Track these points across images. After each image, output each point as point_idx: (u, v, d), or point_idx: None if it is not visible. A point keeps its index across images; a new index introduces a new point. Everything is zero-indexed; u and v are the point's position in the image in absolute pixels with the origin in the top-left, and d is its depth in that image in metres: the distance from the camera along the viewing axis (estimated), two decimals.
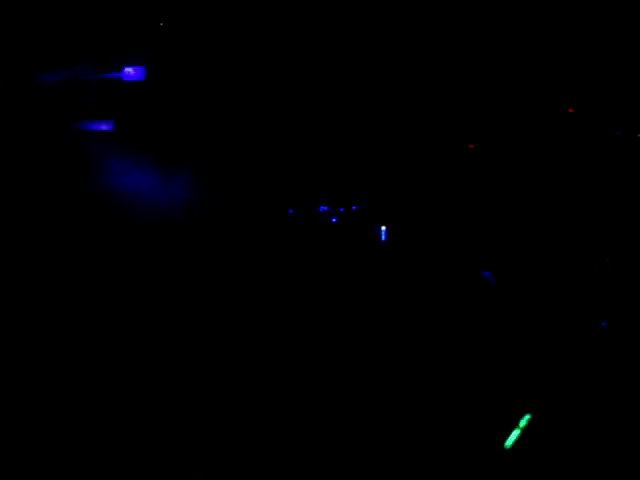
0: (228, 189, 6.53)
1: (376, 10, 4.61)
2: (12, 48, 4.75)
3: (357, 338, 3.96)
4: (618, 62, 4.66)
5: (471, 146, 6.22)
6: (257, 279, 5.01)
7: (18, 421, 3.01)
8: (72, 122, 5.21)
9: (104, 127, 5.34)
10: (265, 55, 5.03)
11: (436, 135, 6.18)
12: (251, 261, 5.74)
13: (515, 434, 2.98)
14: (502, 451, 2.82)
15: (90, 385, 3.34)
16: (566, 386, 3.02)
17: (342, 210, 7.03)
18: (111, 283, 4.34)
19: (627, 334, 3.24)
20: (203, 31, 4.76)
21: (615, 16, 4.44)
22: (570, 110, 5.45)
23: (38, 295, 4.06)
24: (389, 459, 2.87)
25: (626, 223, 5.42)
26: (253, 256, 5.83)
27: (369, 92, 5.53)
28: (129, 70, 4.97)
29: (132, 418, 3.16)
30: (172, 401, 3.29)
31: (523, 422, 3.00)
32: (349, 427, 3.03)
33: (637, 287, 3.83)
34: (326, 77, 5.33)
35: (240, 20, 4.69)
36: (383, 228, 6.49)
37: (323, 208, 6.79)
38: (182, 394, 3.35)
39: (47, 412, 3.11)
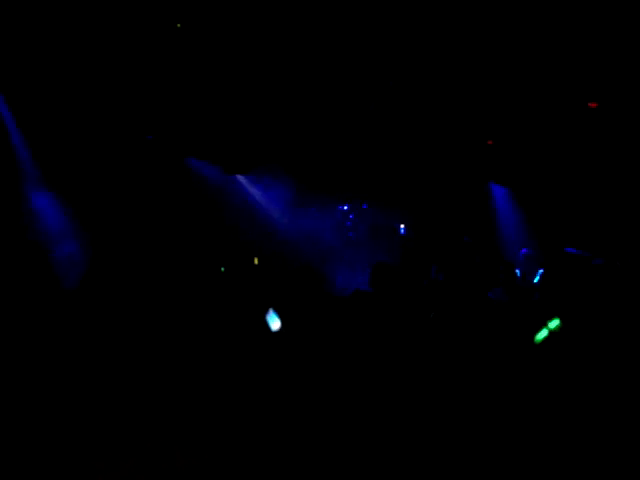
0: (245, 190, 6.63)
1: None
2: None
3: (371, 339, 3.97)
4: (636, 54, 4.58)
5: (490, 142, 6.18)
6: (274, 278, 5.06)
7: (18, 421, 3.07)
8: None
9: None
10: (292, 59, 5.05)
11: (455, 132, 6.16)
12: (269, 260, 5.81)
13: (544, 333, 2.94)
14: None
15: (90, 385, 3.38)
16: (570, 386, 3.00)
17: (363, 207, 7.06)
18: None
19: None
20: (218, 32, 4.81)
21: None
22: (592, 105, 5.37)
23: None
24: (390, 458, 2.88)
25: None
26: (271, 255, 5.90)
27: (387, 93, 5.53)
28: None
29: (131, 418, 3.21)
30: (171, 401, 3.34)
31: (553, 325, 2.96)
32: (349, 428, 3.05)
33: None
34: (345, 79, 5.34)
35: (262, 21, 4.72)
36: (402, 226, 6.51)
37: (341, 207, 6.84)
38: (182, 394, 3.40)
39: (46, 412, 3.16)
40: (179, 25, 4.77)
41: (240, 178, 6.65)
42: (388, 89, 5.28)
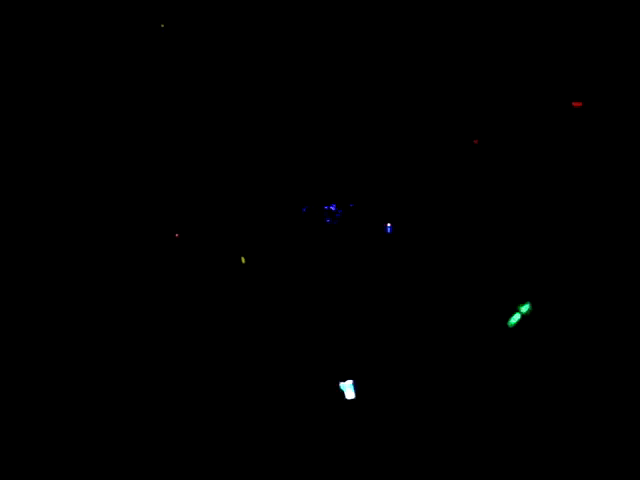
0: (236, 188, 6.60)
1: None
2: None
3: (362, 336, 3.97)
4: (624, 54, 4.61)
5: (475, 142, 6.17)
6: (264, 276, 5.05)
7: (18, 421, 3.06)
8: None
9: None
10: (271, 56, 5.08)
11: (441, 131, 6.16)
12: (260, 259, 5.78)
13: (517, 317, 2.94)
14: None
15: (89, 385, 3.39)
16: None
17: (350, 206, 7.04)
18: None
19: None
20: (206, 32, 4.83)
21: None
22: (576, 104, 5.40)
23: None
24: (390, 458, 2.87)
25: None
26: (262, 254, 5.87)
27: (375, 90, 5.55)
28: None
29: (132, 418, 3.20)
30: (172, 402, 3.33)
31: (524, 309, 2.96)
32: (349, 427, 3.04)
33: None
34: (330, 74, 5.36)
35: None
36: (389, 225, 6.50)
37: (327, 206, 6.83)
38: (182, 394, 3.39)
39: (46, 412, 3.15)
40: (163, 25, 4.80)
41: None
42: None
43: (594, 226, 5.13)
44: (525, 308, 2.97)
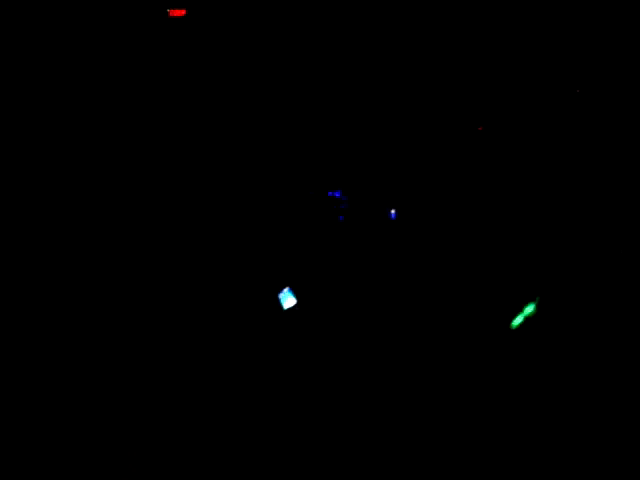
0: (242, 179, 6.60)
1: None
2: None
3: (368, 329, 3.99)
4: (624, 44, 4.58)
5: (480, 128, 6.15)
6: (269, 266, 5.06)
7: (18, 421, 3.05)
8: None
9: None
10: (285, 48, 5.05)
11: (445, 118, 6.14)
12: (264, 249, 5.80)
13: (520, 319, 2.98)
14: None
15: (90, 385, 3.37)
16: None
17: (355, 193, 7.02)
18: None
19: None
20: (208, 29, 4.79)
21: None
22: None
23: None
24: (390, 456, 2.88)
25: None
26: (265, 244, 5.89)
27: (378, 77, 5.52)
28: None
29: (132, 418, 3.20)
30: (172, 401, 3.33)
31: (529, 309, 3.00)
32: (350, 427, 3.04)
33: None
34: (332, 63, 5.34)
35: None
36: (393, 211, 6.50)
37: (331, 193, 6.82)
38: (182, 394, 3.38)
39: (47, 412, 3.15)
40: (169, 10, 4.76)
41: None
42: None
43: (600, 222, 5.15)
44: (530, 309, 3.01)
